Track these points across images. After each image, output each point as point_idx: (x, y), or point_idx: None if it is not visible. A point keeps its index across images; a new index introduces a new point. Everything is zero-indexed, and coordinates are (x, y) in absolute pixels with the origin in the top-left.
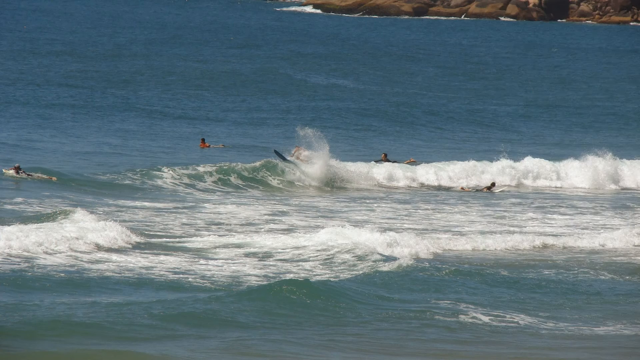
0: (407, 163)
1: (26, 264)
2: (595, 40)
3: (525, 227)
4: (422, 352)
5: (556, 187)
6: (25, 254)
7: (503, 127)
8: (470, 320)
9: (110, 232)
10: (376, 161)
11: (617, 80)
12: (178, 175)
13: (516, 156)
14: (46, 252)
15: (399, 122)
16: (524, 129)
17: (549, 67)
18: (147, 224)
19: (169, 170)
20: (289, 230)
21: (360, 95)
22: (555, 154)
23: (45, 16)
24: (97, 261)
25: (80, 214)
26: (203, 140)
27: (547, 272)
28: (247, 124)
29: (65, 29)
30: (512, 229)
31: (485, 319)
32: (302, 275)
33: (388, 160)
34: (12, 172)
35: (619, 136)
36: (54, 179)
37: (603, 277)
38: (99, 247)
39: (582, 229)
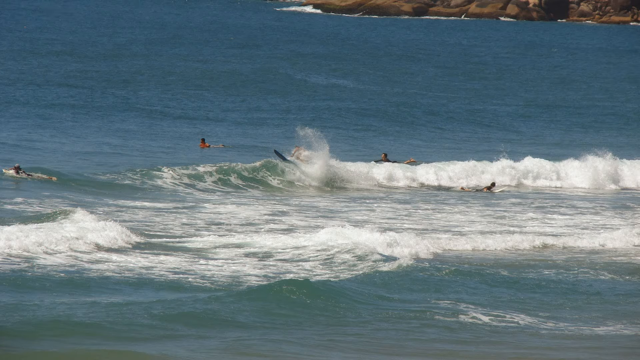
0: (407, 163)
1: (26, 264)
2: (595, 40)
3: (525, 227)
4: (422, 352)
5: (556, 187)
6: (25, 254)
7: (503, 127)
8: (470, 320)
9: (110, 232)
10: (376, 161)
11: (617, 80)
12: (178, 175)
13: (516, 156)
14: (46, 252)
15: (399, 122)
16: (524, 129)
17: (549, 67)
18: (147, 224)
19: (169, 170)
20: (289, 230)
21: (361, 95)
22: (555, 154)
23: (45, 16)
24: (97, 261)
25: (80, 214)
26: (203, 140)
27: (547, 272)
28: (247, 124)
29: (65, 29)
30: (512, 229)
31: (485, 319)
32: (302, 275)
33: (388, 160)
34: (12, 172)
35: (619, 136)
36: (54, 178)
37: (603, 277)
38: (99, 247)
39: (582, 229)
